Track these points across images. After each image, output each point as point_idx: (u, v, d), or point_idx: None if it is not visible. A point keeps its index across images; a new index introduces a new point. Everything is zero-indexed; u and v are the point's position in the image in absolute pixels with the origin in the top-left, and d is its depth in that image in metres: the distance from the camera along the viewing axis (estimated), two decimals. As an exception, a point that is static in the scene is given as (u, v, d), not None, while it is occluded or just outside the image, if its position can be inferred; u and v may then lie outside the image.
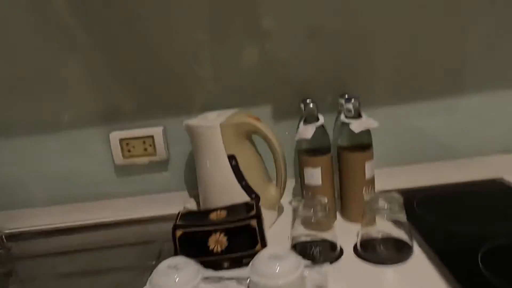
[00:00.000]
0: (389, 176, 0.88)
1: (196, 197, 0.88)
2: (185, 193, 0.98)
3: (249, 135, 0.80)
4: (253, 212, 0.68)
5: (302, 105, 0.83)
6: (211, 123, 0.77)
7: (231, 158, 0.77)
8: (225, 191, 0.78)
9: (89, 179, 0.98)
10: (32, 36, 0.89)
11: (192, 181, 0.97)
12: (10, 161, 0.97)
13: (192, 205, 0.90)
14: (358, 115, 0.75)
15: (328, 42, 0.89)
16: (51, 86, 0.93)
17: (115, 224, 0.93)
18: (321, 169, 0.76)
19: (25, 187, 0.99)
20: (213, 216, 0.70)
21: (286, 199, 0.86)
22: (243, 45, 0.90)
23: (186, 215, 0.72)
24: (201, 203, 0.84)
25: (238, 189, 0.77)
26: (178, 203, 0.89)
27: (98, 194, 0.98)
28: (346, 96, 0.77)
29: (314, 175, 0.77)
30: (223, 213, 0.70)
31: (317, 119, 0.77)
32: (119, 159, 0.95)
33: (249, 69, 0.91)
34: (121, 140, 0.93)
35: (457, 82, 0.92)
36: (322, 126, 0.77)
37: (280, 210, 0.86)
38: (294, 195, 0.93)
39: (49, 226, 0.95)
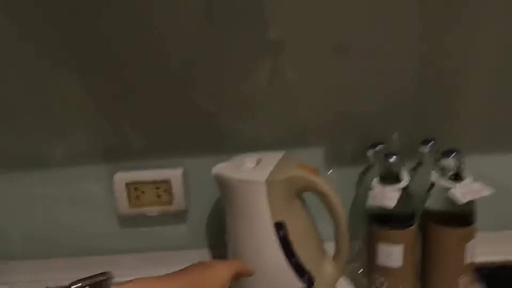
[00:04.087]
0: (488, 244, 0.62)
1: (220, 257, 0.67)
2: (204, 252, 0.77)
3: (301, 192, 0.59)
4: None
5: (370, 153, 0.63)
6: (254, 178, 0.56)
7: (279, 226, 0.56)
8: (267, 270, 0.57)
9: (86, 231, 0.77)
10: (16, 48, 0.68)
11: (216, 238, 0.77)
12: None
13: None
14: (456, 177, 0.55)
15: (402, 66, 0.69)
16: (38, 112, 0.72)
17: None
18: (403, 246, 0.55)
19: (5, 236, 0.78)
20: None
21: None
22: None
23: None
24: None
25: (285, 268, 0.56)
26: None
27: (96, 249, 0.77)
28: (443, 150, 0.56)
29: (393, 254, 0.56)
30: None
31: (398, 179, 0.56)
32: (124, 207, 0.74)
33: (296, 99, 0.71)
34: (128, 184, 0.73)
35: None
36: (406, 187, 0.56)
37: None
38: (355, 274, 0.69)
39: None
